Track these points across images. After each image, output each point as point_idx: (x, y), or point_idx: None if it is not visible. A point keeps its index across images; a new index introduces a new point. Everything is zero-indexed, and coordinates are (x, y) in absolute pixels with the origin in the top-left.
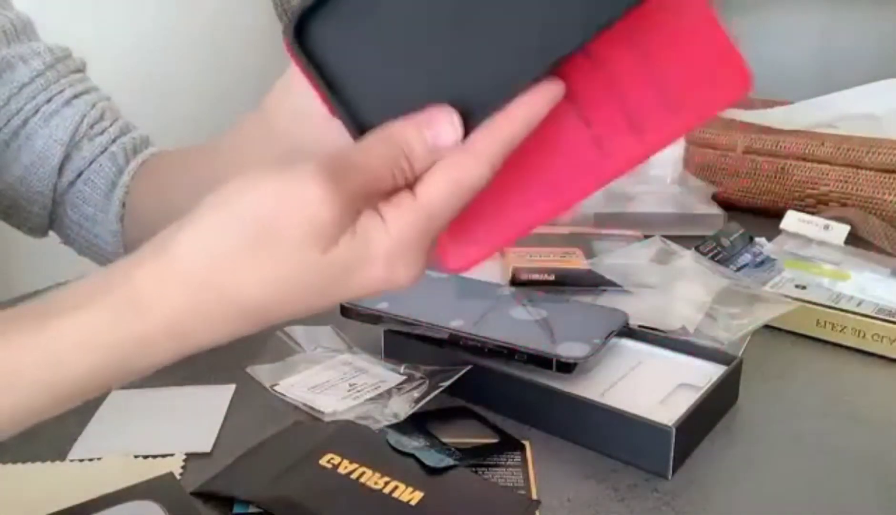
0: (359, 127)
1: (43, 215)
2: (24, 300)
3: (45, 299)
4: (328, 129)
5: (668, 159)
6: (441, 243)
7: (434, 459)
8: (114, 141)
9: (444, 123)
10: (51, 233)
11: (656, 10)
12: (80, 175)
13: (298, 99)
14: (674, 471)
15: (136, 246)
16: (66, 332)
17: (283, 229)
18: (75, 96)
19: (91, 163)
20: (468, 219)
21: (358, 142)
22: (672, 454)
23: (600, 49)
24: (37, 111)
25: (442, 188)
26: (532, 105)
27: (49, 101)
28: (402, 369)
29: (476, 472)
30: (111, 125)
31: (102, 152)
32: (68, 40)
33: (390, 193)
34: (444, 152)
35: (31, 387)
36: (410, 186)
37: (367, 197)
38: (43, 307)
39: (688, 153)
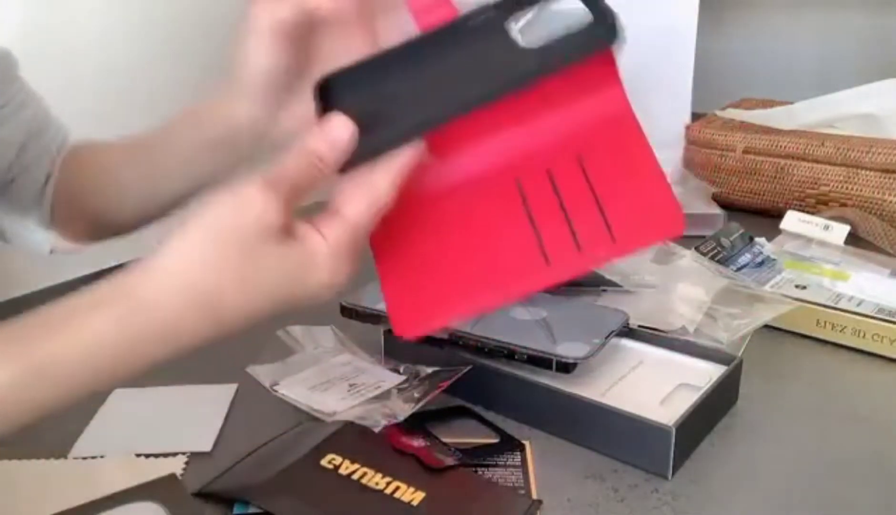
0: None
1: None
2: (27, 300)
3: (50, 310)
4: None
5: (669, 159)
6: (395, 313)
7: (434, 459)
8: (52, 139)
9: (338, 126)
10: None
11: (606, 143)
12: (23, 171)
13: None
14: (674, 471)
15: (62, 220)
16: (77, 342)
17: (243, 230)
18: (25, 99)
19: (34, 162)
20: (422, 297)
21: (283, 157)
22: (672, 454)
23: (558, 170)
24: None
25: (360, 205)
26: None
27: (4, 106)
28: (402, 369)
29: (476, 472)
30: (49, 126)
31: (44, 151)
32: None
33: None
34: (346, 144)
35: (46, 385)
36: (337, 210)
37: (299, 194)
38: (45, 318)
39: (688, 153)
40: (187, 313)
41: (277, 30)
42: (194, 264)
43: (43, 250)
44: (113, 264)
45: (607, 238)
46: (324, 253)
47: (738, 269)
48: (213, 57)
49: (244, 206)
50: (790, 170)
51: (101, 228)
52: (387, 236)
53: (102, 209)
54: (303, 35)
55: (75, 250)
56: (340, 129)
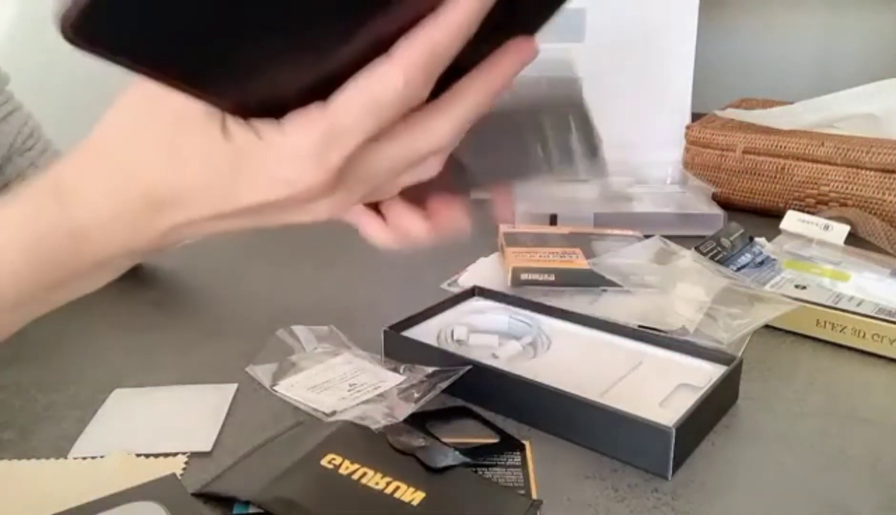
0: None
1: None
2: None
3: None
4: None
5: (668, 159)
6: None
7: (434, 459)
8: (40, 156)
9: None
10: None
11: None
12: (5, 186)
13: None
14: (674, 471)
15: None
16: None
17: (186, 108)
18: (10, 113)
19: (19, 175)
20: None
21: None
22: (672, 454)
23: None
24: None
25: (353, 98)
26: (463, 8)
27: None
28: (402, 369)
29: (476, 472)
30: (38, 142)
31: (30, 166)
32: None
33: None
34: None
35: None
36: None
37: None
38: None
39: (688, 153)
40: (100, 195)
41: None
42: (117, 137)
43: None
44: None
45: None
46: (278, 144)
47: (738, 269)
48: None
49: None
50: (790, 170)
51: None
52: None
53: None
54: None
55: None
56: None
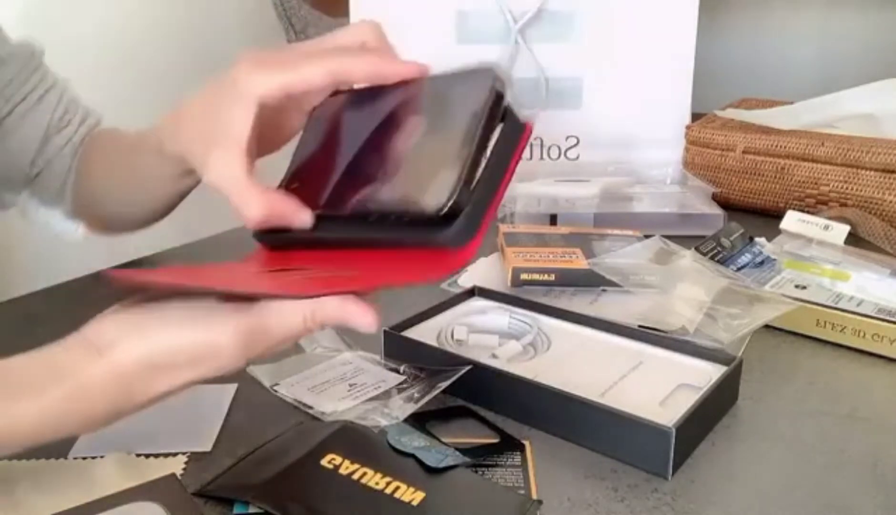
0: None
1: (11, 197)
2: (27, 300)
3: (8, 374)
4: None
5: (668, 160)
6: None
7: (434, 459)
8: (76, 131)
9: (360, 313)
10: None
11: None
12: (48, 164)
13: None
14: (674, 471)
15: (82, 213)
16: (29, 412)
17: (196, 366)
18: (46, 91)
19: (57, 154)
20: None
21: (275, 308)
22: (672, 454)
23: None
24: (12, 112)
25: (283, 326)
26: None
27: (24, 99)
28: (402, 369)
29: (476, 472)
30: (74, 116)
31: (67, 143)
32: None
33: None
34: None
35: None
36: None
37: (272, 350)
38: (8, 390)
39: (688, 153)
40: (115, 406)
41: (263, 103)
42: (139, 370)
43: (76, 236)
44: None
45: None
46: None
47: (738, 269)
48: (210, 45)
49: (212, 353)
50: (790, 170)
51: (112, 221)
52: None
53: (107, 203)
54: (276, 107)
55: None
56: (361, 316)
